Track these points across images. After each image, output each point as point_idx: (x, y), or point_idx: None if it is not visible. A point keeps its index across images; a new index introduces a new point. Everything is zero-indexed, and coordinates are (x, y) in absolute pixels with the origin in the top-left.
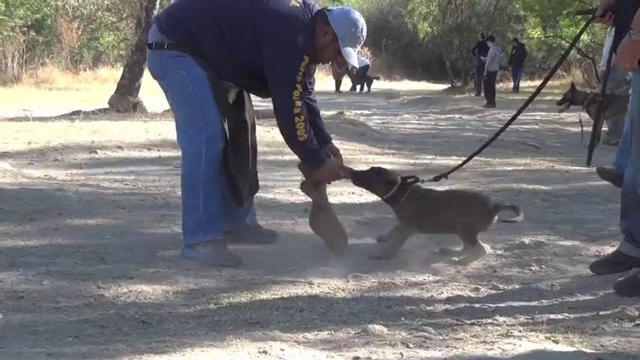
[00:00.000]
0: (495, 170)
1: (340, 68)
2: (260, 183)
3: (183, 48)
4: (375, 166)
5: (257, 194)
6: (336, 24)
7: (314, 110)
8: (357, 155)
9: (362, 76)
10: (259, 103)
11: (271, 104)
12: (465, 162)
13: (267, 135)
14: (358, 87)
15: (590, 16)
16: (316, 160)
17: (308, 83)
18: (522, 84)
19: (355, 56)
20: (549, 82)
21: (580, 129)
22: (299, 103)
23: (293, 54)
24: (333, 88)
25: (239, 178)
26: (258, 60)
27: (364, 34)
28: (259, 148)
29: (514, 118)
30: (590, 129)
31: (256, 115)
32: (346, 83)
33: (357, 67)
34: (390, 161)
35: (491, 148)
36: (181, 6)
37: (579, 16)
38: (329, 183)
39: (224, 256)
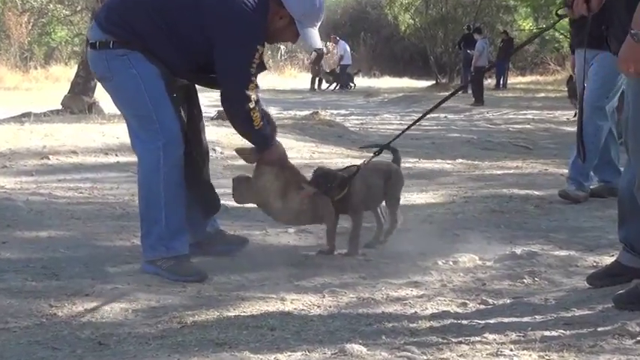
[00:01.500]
0: (484, 174)
1: (317, 66)
2: (227, 190)
3: (130, 45)
4: (319, 169)
5: (223, 202)
6: (290, 5)
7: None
8: (333, 159)
9: (340, 74)
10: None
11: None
12: (403, 131)
13: (236, 137)
14: (333, 85)
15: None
16: (267, 142)
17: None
18: (512, 80)
19: (317, 37)
20: (542, 79)
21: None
22: (254, 95)
23: (245, 47)
24: (307, 86)
25: (204, 186)
26: (212, 51)
27: (323, 8)
28: (227, 152)
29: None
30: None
31: (225, 116)
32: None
33: (319, 47)
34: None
35: (480, 149)
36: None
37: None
38: (277, 165)
39: (188, 271)
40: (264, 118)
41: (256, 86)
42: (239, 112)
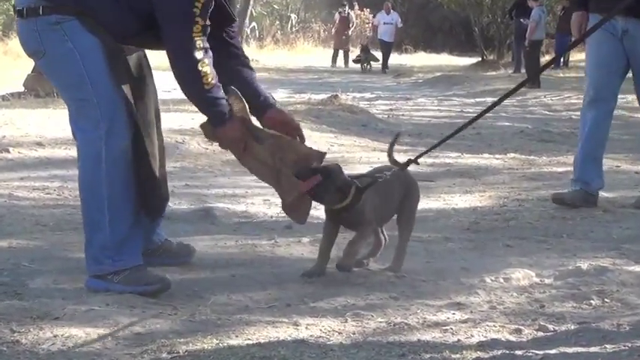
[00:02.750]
0: (541, 172)
1: (343, 35)
2: (228, 190)
3: (65, 9)
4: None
5: (223, 205)
6: None
7: (240, 61)
8: (355, 153)
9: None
10: None
11: None
12: (438, 144)
13: None
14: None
15: None
16: (220, 116)
17: (230, 26)
18: (575, 57)
19: None
20: None
21: None
22: (201, 42)
23: None
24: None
25: (152, 184)
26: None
27: None
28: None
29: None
30: None
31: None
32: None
33: None
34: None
35: (536, 141)
36: None
37: None
38: (229, 149)
39: (146, 279)
40: (216, 79)
41: (203, 30)
42: (182, 62)
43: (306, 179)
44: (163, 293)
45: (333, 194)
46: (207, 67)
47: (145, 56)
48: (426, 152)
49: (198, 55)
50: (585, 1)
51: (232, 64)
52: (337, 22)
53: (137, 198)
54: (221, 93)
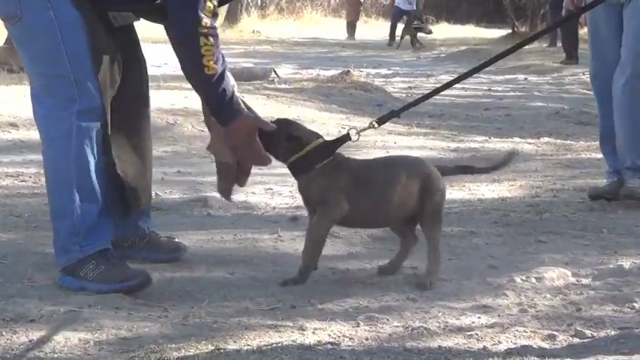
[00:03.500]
0: (579, 159)
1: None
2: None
3: None
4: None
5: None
6: None
7: None
8: (370, 136)
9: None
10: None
11: (241, 63)
12: (425, 97)
13: None
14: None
15: None
16: (228, 110)
17: None
18: None
19: None
20: None
21: None
22: (208, 20)
23: None
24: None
25: (130, 173)
26: None
27: None
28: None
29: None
30: None
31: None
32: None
33: None
34: (420, 144)
35: (573, 124)
36: None
37: None
38: (242, 154)
39: (124, 275)
40: (224, 65)
41: (214, 11)
42: (183, 37)
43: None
44: (144, 289)
45: (285, 144)
46: (210, 49)
47: (135, 31)
48: (416, 103)
49: (203, 29)
50: None
51: None
52: None
53: (108, 186)
54: (228, 84)
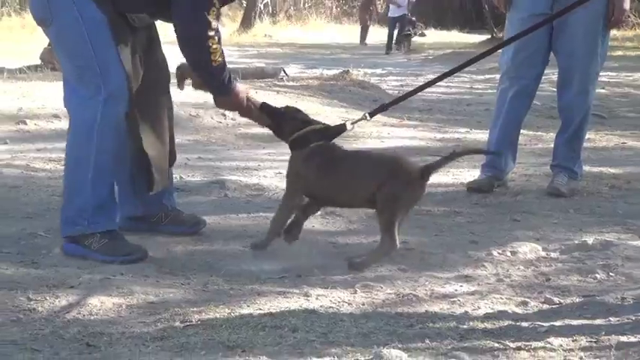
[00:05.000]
0: (549, 148)
1: (367, 13)
2: (241, 163)
3: None
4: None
5: (236, 178)
6: None
7: None
8: (366, 128)
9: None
10: (238, 59)
11: (254, 63)
12: (412, 93)
13: None
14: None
15: None
16: (226, 88)
17: None
18: None
19: None
20: (620, 34)
21: None
22: (215, 23)
23: None
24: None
25: (152, 155)
26: None
27: None
28: (238, 119)
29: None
30: None
31: (237, 76)
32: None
33: None
34: (410, 135)
35: (544, 118)
36: None
37: None
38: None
39: (124, 249)
40: (224, 57)
41: (218, 11)
42: (195, 40)
43: (269, 111)
44: (140, 262)
45: (291, 123)
46: (216, 46)
47: (155, 29)
48: (396, 101)
49: (210, 32)
50: None
51: None
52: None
53: (136, 166)
54: (226, 70)
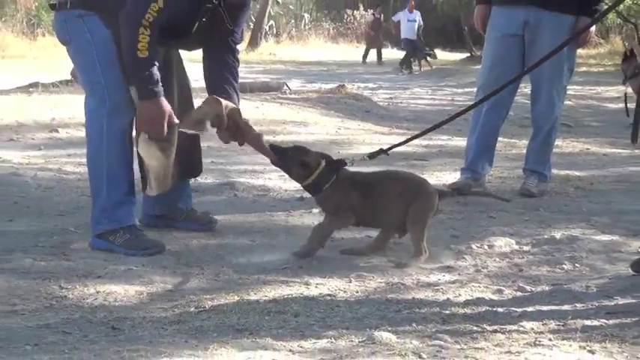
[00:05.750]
0: (521, 153)
1: (375, 34)
2: (249, 167)
3: (87, 4)
4: (299, 145)
5: (244, 180)
6: None
7: (231, 72)
8: (360, 135)
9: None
10: (246, 75)
11: (260, 78)
12: (411, 139)
13: (257, 111)
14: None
15: None
16: (145, 89)
17: (233, 33)
18: None
19: None
20: (584, 52)
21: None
22: (150, 16)
23: None
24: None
25: (153, 165)
26: (171, 3)
27: None
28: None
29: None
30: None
31: (245, 89)
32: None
33: None
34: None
35: (517, 127)
36: None
37: None
38: (147, 131)
39: (144, 244)
40: (154, 54)
41: (158, 11)
42: (127, 26)
43: (277, 153)
44: (158, 255)
45: (298, 168)
46: (145, 37)
47: (173, 50)
48: (402, 144)
49: (145, 22)
50: None
51: (220, 69)
52: (371, 22)
53: (130, 171)
54: (153, 69)
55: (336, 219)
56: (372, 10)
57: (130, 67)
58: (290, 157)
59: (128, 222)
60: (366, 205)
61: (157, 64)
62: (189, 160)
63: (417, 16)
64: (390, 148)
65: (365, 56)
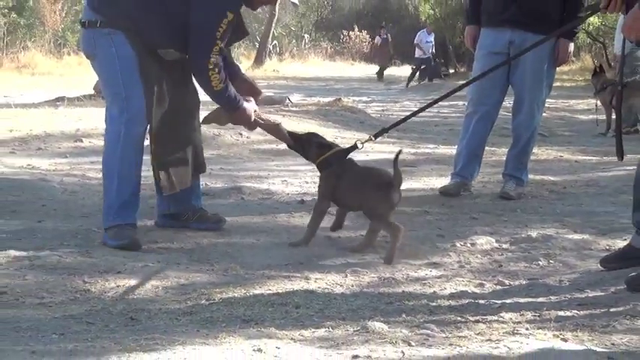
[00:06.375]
0: (500, 160)
1: (385, 53)
2: (254, 172)
3: (117, 24)
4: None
5: (250, 185)
6: None
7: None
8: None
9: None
10: None
11: (265, 92)
12: (404, 119)
13: None
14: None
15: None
16: (232, 106)
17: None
18: None
19: None
20: (558, 69)
21: (595, 117)
22: (214, 58)
23: (215, 9)
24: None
25: (169, 162)
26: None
27: None
28: (252, 137)
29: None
30: (603, 116)
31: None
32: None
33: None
34: (390, 150)
35: (497, 136)
36: None
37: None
38: (247, 127)
39: (121, 236)
40: (225, 82)
41: (220, 50)
42: (199, 71)
43: (294, 137)
44: (131, 250)
45: (315, 149)
46: (215, 76)
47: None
48: (395, 125)
49: (210, 66)
50: (478, 16)
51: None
52: (379, 43)
53: (139, 174)
54: (229, 91)
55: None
56: (378, 33)
57: (216, 101)
58: (306, 141)
59: (128, 220)
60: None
61: (230, 88)
62: (198, 157)
63: (432, 37)
64: (390, 127)
65: (380, 75)
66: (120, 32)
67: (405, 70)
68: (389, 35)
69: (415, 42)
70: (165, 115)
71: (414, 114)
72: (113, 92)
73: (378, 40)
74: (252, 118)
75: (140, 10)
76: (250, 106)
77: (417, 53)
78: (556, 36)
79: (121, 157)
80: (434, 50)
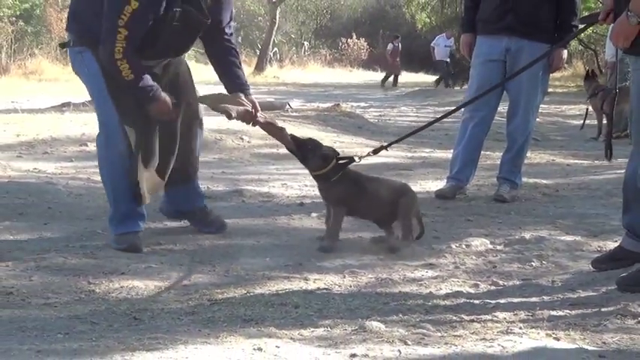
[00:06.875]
0: (495, 164)
1: (395, 61)
2: (255, 176)
3: (83, 42)
4: (313, 138)
5: (251, 188)
6: None
7: (230, 53)
8: (353, 148)
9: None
10: (257, 95)
11: (266, 98)
12: (402, 138)
13: None
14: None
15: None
16: (145, 97)
17: (227, 27)
18: None
19: None
20: (551, 75)
21: (582, 121)
22: (119, 46)
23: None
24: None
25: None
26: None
27: None
28: (254, 141)
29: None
30: (590, 121)
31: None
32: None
33: None
34: (387, 154)
35: (492, 141)
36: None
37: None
38: (164, 119)
39: (122, 240)
40: (138, 70)
41: (128, 39)
42: (105, 61)
43: (297, 143)
44: (131, 252)
45: (316, 160)
46: (125, 65)
47: (186, 68)
48: (398, 141)
49: (117, 55)
50: (474, 24)
51: (225, 54)
52: (391, 51)
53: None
54: (142, 82)
55: (340, 209)
56: (391, 41)
57: (127, 89)
58: (310, 150)
59: (132, 229)
60: (359, 200)
61: (145, 76)
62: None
63: (452, 42)
64: (390, 144)
65: (384, 81)
66: (85, 49)
67: (403, 77)
68: (400, 45)
69: (432, 45)
70: (138, 125)
71: (420, 129)
72: (96, 112)
73: (390, 47)
74: (170, 108)
75: (99, 23)
76: (169, 98)
77: (438, 56)
78: (551, 45)
79: (111, 177)
80: (450, 56)
